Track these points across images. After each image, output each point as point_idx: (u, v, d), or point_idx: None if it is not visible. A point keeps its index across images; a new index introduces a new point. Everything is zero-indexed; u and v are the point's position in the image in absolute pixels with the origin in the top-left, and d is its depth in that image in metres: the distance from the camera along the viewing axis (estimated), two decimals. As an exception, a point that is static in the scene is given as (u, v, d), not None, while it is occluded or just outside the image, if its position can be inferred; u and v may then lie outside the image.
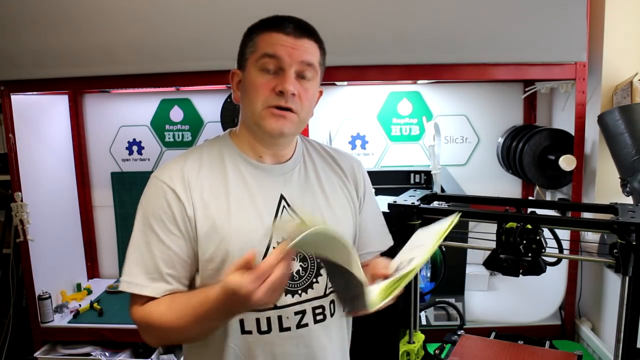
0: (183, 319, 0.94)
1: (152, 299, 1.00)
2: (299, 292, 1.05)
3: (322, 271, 1.07)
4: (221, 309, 0.88)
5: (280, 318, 1.04)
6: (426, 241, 0.97)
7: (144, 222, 1.01)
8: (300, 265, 1.06)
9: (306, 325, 1.06)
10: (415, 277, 1.49)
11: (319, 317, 1.08)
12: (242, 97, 1.07)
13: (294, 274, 1.05)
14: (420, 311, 1.90)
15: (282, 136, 1.04)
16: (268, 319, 1.03)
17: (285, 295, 1.04)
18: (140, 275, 1.00)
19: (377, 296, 0.86)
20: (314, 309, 1.07)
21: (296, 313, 1.05)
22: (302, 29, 1.02)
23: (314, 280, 1.07)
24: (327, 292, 1.09)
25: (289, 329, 1.04)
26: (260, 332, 1.03)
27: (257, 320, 1.03)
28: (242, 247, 0.99)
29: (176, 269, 1.01)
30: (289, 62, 0.99)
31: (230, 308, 0.88)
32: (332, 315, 1.10)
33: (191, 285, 1.06)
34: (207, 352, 1.07)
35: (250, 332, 1.03)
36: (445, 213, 1.45)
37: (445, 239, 1.45)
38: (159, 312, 0.98)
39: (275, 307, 1.03)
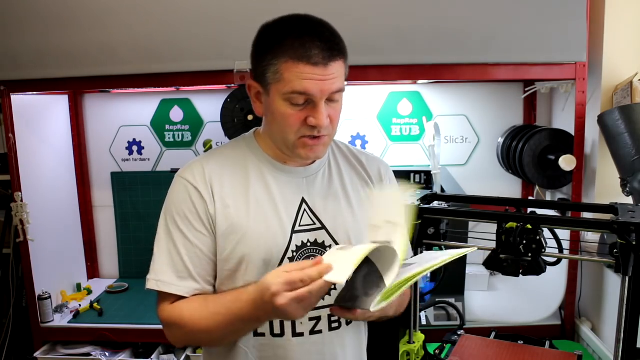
0: (216, 316, 0.93)
1: (181, 297, 1.00)
2: None
3: None
4: (252, 309, 0.87)
5: (294, 323, 1.02)
6: (433, 259, 0.97)
7: (169, 220, 1.02)
8: None
9: (320, 332, 1.04)
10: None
11: (333, 325, 1.06)
12: (267, 116, 1.03)
13: None
14: (420, 311, 1.90)
15: (316, 159, 1.06)
16: (282, 323, 1.02)
17: None
18: (169, 273, 0.99)
19: (380, 297, 0.86)
20: (329, 316, 1.05)
21: (311, 319, 1.03)
22: (329, 49, 0.93)
23: (332, 286, 1.03)
24: None
25: (302, 334, 1.03)
26: (273, 334, 1.02)
27: (271, 322, 1.02)
28: (259, 249, 0.99)
29: (203, 267, 1.01)
30: (320, 97, 0.94)
31: (259, 308, 0.86)
32: (347, 323, 1.08)
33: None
34: (218, 353, 1.06)
35: (263, 335, 1.02)
36: (445, 213, 1.45)
37: (446, 239, 1.47)
38: (191, 310, 0.97)
39: None
